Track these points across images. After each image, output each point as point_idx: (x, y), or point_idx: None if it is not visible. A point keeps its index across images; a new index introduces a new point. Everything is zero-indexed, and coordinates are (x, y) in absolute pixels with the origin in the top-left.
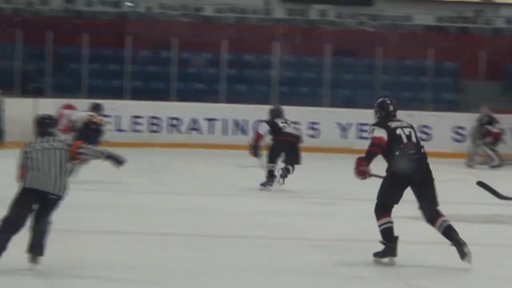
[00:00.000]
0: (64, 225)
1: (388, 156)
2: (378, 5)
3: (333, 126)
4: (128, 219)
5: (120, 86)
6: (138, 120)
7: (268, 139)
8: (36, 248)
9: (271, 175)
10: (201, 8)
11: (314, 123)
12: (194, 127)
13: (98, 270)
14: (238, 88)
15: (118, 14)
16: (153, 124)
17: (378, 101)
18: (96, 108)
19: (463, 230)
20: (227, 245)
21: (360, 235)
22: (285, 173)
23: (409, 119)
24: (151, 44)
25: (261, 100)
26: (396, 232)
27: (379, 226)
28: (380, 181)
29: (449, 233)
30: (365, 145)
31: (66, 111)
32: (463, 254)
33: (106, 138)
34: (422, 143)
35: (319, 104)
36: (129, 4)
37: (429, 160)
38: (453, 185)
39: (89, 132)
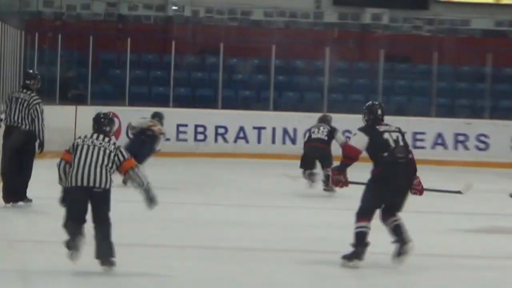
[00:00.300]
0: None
1: (375, 159)
2: (434, 9)
3: None
4: (172, 232)
5: (164, 93)
6: (183, 128)
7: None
8: (105, 252)
9: (326, 179)
10: (249, 12)
11: None
12: (241, 135)
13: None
14: (287, 95)
15: (163, 18)
16: (199, 132)
17: (367, 104)
18: (157, 116)
19: None
20: (272, 258)
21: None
22: (325, 179)
23: (465, 128)
24: (196, 49)
25: (311, 107)
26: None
27: (355, 228)
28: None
29: (398, 230)
30: (420, 154)
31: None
32: (401, 252)
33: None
34: (410, 148)
35: None
36: (174, 8)
37: (486, 170)
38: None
39: (145, 139)
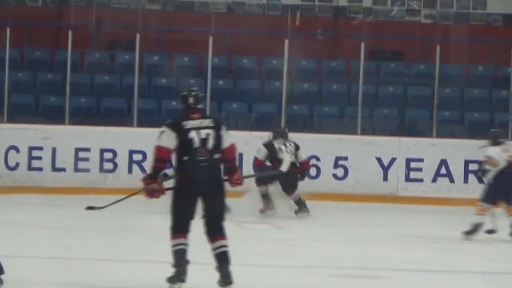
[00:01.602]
0: None
1: (176, 162)
2: None
3: None
4: None
5: (57, 104)
6: (84, 154)
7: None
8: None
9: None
10: None
11: None
12: None
13: None
14: (229, 107)
15: (55, 0)
16: (106, 160)
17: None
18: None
19: None
20: None
21: None
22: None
23: (479, 153)
24: (103, 43)
25: (263, 124)
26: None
27: (171, 247)
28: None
29: (221, 259)
30: (415, 189)
31: None
32: (226, 283)
33: None
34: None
35: None
36: None
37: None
38: None
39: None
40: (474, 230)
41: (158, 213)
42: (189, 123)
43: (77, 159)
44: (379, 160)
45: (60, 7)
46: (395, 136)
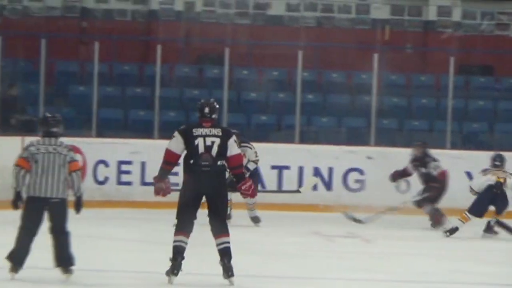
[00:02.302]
0: None
1: (183, 164)
2: None
3: None
4: None
5: (146, 118)
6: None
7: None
8: (64, 260)
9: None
10: (266, 4)
11: None
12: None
13: None
14: (319, 121)
15: (144, 14)
16: None
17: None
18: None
19: None
20: None
21: None
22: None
23: None
24: (192, 57)
25: (354, 138)
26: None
27: (172, 242)
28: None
29: (223, 254)
30: None
31: None
32: (226, 276)
33: None
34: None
35: None
36: None
37: None
38: None
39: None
40: (454, 230)
41: (245, 226)
42: (198, 131)
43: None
44: (468, 174)
45: (149, 21)
46: (484, 151)
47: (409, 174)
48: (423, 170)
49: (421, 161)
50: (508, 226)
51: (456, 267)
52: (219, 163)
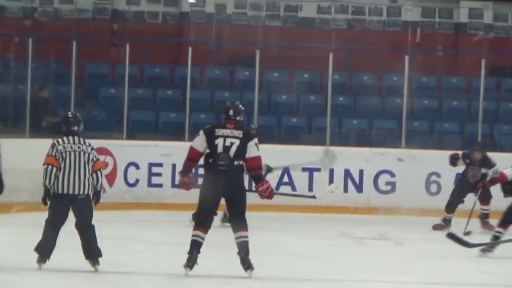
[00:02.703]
0: None
1: (204, 162)
2: None
3: None
4: None
5: (178, 121)
6: None
7: None
8: (93, 253)
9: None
10: (297, 7)
11: None
12: (285, 180)
13: None
14: (349, 123)
15: (175, 16)
16: None
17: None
18: None
19: None
20: None
21: None
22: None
23: None
24: (223, 59)
25: (384, 140)
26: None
27: (191, 236)
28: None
29: (241, 247)
30: None
31: None
32: (245, 268)
33: None
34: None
35: None
36: (192, 1)
37: None
38: None
39: None
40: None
41: (277, 229)
42: (221, 131)
43: (197, 175)
44: None
45: (180, 23)
46: None
47: (455, 164)
48: (483, 171)
49: (481, 163)
50: None
51: (487, 269)
52: (235, 163)
